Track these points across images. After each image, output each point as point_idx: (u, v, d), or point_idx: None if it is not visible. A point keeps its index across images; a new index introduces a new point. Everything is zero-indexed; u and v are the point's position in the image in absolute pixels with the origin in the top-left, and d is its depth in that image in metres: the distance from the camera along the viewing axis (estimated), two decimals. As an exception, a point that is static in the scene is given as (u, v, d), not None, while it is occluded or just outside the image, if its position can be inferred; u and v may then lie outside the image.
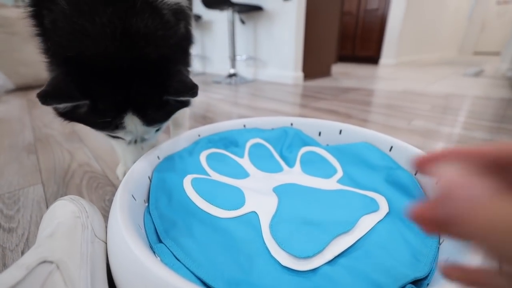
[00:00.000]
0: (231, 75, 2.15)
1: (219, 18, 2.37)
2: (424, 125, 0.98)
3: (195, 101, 0.47)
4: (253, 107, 1.29)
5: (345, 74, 2.54)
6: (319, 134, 0.67)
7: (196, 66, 2.89)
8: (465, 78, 2.19)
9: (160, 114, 0.42)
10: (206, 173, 0.54)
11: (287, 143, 0.67)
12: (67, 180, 0.61)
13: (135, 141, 0.48)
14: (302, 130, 0.69)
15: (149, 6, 0.35)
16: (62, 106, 0.35)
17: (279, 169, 0.60)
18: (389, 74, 2.50)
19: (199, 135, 0.63)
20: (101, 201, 0.53)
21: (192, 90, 0.39)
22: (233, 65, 2.16)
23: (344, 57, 3.82)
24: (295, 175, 0.57)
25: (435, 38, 4.37)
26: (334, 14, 2.15)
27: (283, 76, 2.03)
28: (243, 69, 2.35)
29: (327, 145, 0.65)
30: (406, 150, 0.50)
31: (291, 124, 0.70)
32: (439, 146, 0.79)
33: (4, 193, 0.56)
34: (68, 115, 0.38)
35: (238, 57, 2.26)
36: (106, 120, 0.38)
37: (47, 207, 0.51)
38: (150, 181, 0.47)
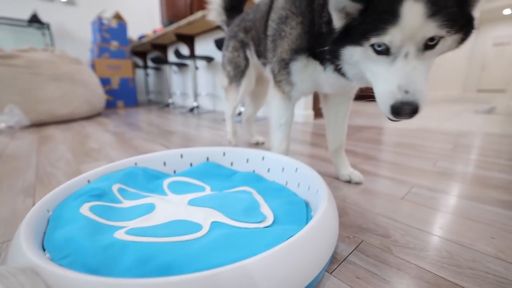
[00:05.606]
0: (240, 114, 2.16)
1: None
2: (450, 167, 0.90)
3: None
4: (258, 146, 1.24)
5: (354, 112, 2.54)
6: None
7: (207, 104, 2.95)
8: (478, 116, 2.15)
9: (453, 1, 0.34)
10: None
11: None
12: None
13: (405, 55, 0.38)
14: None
15: None
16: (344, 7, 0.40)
17: (200, 189, 0.65)
18: (399, 112, 2.48)
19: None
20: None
21: None
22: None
23: (351, 95, 3.87)
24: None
25: (440, 76, 4.46)
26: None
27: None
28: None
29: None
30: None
31: (135, 164, 0.71)
32: (468, 190, 0.71)
33: (-12, 246, 0.49)
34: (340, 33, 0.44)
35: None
36: (382, 15, 0.35)
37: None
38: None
